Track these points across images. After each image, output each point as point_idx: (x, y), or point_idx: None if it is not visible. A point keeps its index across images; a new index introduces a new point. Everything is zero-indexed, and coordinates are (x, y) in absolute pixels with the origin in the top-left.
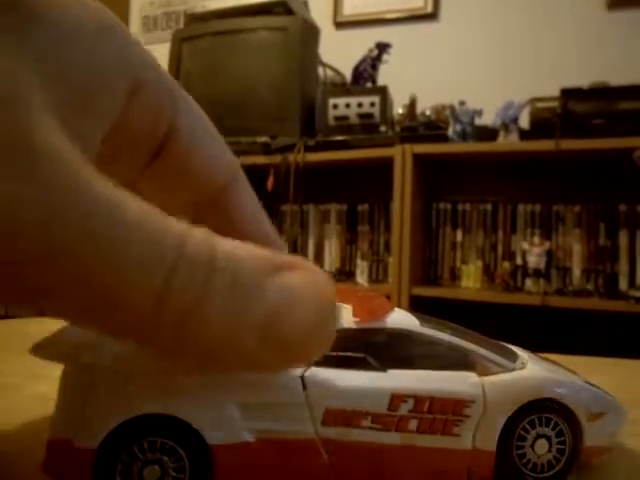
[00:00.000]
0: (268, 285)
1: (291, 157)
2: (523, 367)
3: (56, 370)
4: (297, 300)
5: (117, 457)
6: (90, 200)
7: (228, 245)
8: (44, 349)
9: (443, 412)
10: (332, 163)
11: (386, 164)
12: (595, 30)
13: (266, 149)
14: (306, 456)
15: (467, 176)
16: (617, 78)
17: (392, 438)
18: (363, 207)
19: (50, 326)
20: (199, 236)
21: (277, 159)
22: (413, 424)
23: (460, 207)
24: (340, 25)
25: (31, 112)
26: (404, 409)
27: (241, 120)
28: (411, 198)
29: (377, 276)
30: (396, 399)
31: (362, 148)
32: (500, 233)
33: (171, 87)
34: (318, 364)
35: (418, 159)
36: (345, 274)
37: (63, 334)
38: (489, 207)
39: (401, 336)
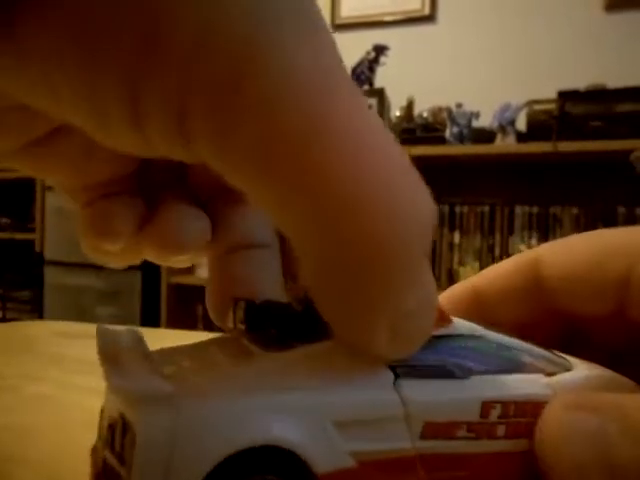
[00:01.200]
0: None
1: None
2: (574, 366)
3: (55, 371)
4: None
5: None
6: None
7: None
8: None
9: (525, 415)
10: None
11: None
12: (592, 32)
13: None
14: (405, 474)
15: (464, 178)
16: (614, 80)
17: (484, 446)
18: None
19: (49, 327)
20: None
21: None
22: (501, 430)
23: (457, 209)
24: (338, 27)
25: None
26: (494, 416)
27: None
28: None
29: None
30: (486, 406)
31: None
32: (497, 235)
33: None
34: (404, 375)
35: (415, 161)
36: None
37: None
38: (486, 209)
39: (471, 341)
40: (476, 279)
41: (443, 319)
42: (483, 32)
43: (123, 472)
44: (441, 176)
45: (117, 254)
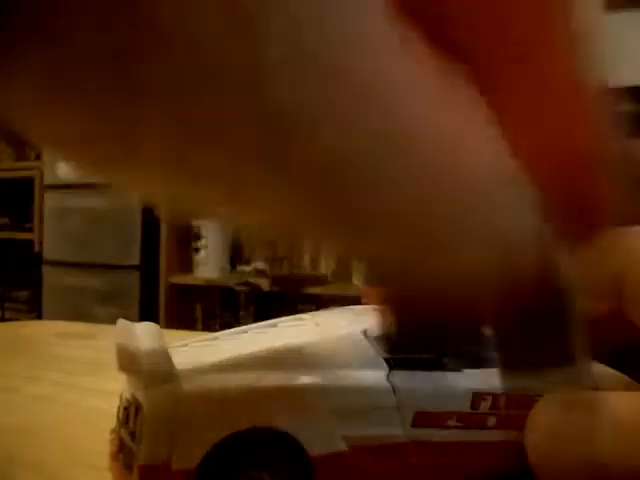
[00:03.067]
0: None
1: None
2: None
3: (54, 371)
4: None
5: (217, 476)
6: None
7: None
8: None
9: (517, 408)
10: None
11: None
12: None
13: None
14: (397, 459)
15: None
16: (615, 80)
17: (474, 436)
18: None
19: (49, 327)
20: None
21: None
22: (492, 421)
23: None
24: None
25: None
26: (484, 407)
27: None
28: None
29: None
30: (477, 398)
31: None
32: None
33: None
34: (398, 367)
35: None
36: (342, 275)
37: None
38: None
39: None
40: None
41: None
42: None
43: (134, 447)
44: None
45: None
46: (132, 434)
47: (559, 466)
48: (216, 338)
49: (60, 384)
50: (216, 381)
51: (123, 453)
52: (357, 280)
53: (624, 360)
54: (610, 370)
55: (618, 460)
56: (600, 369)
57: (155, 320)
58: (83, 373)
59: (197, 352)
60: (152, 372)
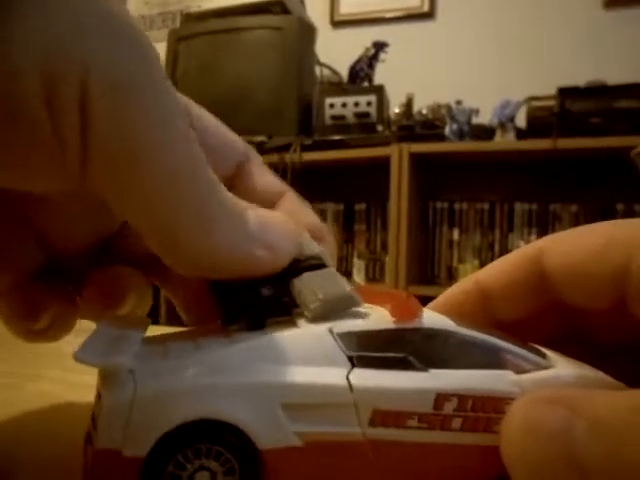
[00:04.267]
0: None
1: (287, 157)
2: (555, 365)
3: (55, 369)
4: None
5: (166, 465)
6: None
7: None
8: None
9: (485, 410)
10: (329, 162)
11: (383, 163)
12: (591, 29)
13: (262, 148)
14: (354, 458)
15: (464, 175)
16: (614, 77)
17: (437, 437)
18: (360, 206)
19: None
20: None
21: (274, 158)
22: (457, 423)
23: (457, 206)
24: (337, 24)
25: None
26: (448, 408)
27: (237, 119)
28: (408, 197)
29: (374, 275)
30: (441, 398)
31: (359, 147)
32: (497, 232)
33: None
34: (361, 365)
35: (415, 158)
36: (342, 273)
37: (99, 338)
38: (486, 206)
39: (439, 336)
40: (481, 274)
41: (410, 313)
42: (482, 29)
43: (94, 434)
44: (440, 173)
45: (47, 331)
46: (94, 423)
47: (535, 465)
48: (195, 330)
49: (61, 382)
50: (171, 373)
51: (88, 440)
52: (358, 278)
53: (624, 357)
54: (592, 369)
55: (596, 460)
56: (582, 369)
57: (156, 317)
58: (84, 371)
59: (164, 346)
60: (114, 367)
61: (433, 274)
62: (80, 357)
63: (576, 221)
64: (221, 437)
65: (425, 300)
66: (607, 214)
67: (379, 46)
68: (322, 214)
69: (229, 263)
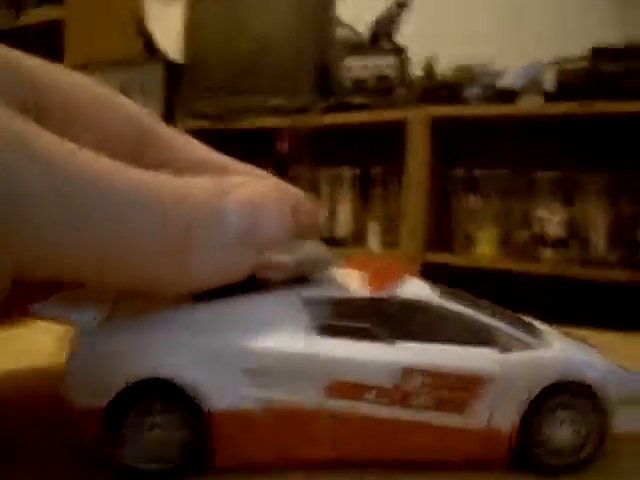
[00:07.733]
0: (227, 207)
1: (305, 119)
2: (547, 344)
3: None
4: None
5: (121, 417)
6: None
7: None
8: (49, 309)
9: (455, 389)
10: (346, 126)
11: (401, 127)
12: None
13: (279, 111)
14: (308, 427)
15: (485, 140)
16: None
17: (398, 413)
18: (376, 170)
19: (50, 326)
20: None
21: (291, 121)
22: (422, 400)
23: (477, 172)
24: None
25: None
26: (413, 384)
27: (255, 79)
28: (426, 161)
29: (390, 241)
30: (405, 373)
31: (377, 109)
32: (517, 200)
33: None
34: (324, 333)
35: (435, 122)
36: (357, 238)
37: (67, 296)
38: (506, 173)
39: (416, 307)
40: None
41: (388, 282)
42: None
43: (61, 386)
44: (460, 137)
45: None
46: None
47: None
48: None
49: None
50: (128, 336)
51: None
52: (373, 243)
53: None
54: (589, 347)
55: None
56: (578, 348)
57: None
58: None
59: (133, 309)
60: (79, 325)
61: (450, 241)
62: (37, 311)
63: (602, 190)
64: (172, 395)
65: (441, 267)
66: (634, 183)
67: (402, 5)
68: (338, 178)
69: (218, 282)
